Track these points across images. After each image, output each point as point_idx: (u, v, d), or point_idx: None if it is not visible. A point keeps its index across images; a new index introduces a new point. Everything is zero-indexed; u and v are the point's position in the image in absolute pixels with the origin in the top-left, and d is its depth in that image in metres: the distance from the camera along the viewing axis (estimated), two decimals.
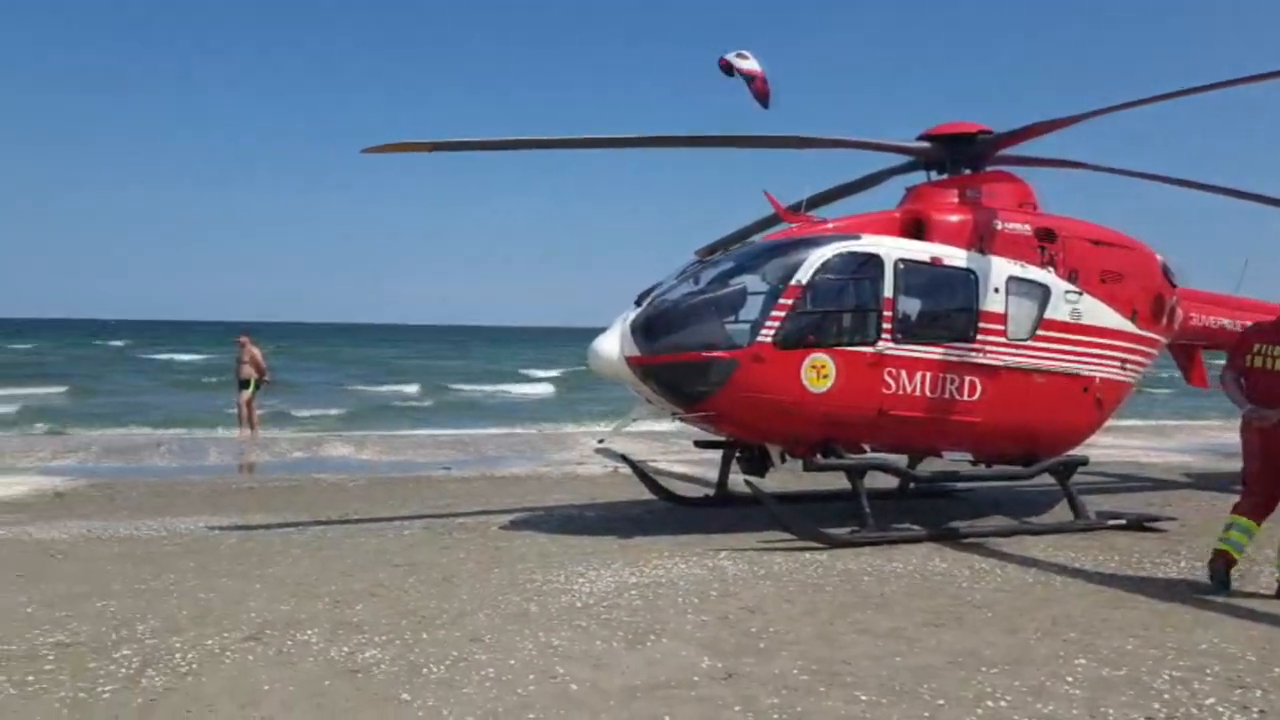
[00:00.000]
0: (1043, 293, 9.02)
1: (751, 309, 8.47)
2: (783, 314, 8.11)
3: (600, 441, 14.86)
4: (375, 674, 4.86)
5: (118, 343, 65.78)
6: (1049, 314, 9.02)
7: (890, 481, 10.29)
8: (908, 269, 8.52)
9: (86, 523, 9.13)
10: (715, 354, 8.11)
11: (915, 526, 8.64)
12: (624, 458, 10.96)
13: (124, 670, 4.83)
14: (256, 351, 18.32)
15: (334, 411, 25.63)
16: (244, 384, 18.18)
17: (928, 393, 8.48)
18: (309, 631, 5.53)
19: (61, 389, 31.29)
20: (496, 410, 29.30)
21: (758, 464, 9.02)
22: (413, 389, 35.96)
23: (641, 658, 5.15)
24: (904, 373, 8.39)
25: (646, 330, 8.21)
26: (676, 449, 14.78)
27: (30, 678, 4.68)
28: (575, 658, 5.12)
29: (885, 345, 8.33)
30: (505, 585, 6.67)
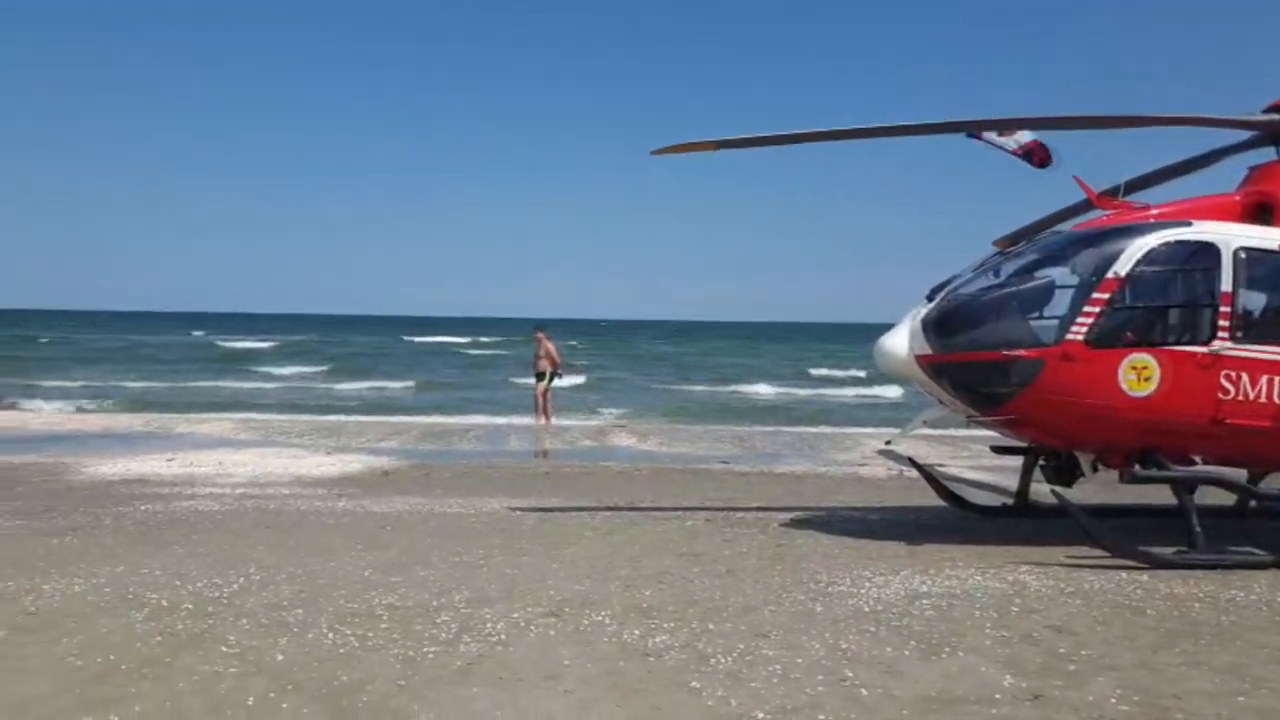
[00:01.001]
0: None
1: (1059, 304, 7.80)
2: (1097, 309, 7.40)
3: (886, 443, 14.38)
4: (666, 659, 4.98)
5: (435, 339, 72.71)
6: None
7: (1224, 498, 9.10)
8: (1251, 259, 7.49)
9: (408, 499, 10.15)
10: (1018, 352, 7.55)
11: (1258, 551, 7.57)
12: (911, 461, 10.52)
13: (444, 635, 5.29)
14: (551, 345, 19.51)
15: (634, 407, 26.76)
16: (540, 375, 19.45)
17: (1277, 399, 7.41)
18: (603, 613, 5.77)
19: (409, 383, 34.88)
20: (782, 407, 29.31)
21: (1065, 472, 8.31)
22: (697, 387, 36.78)
23: (937, 669, 4.89)
24: (1245, 376, 7.39)
25: (939, 326, 7.80)
26: (968, 454, 14.00)
27: (370, 634, 5.25)
28: (865, 663, 4.96)
29: (1222, 345, 7.37)
30: (789, 583, 6.61)
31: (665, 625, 5.55)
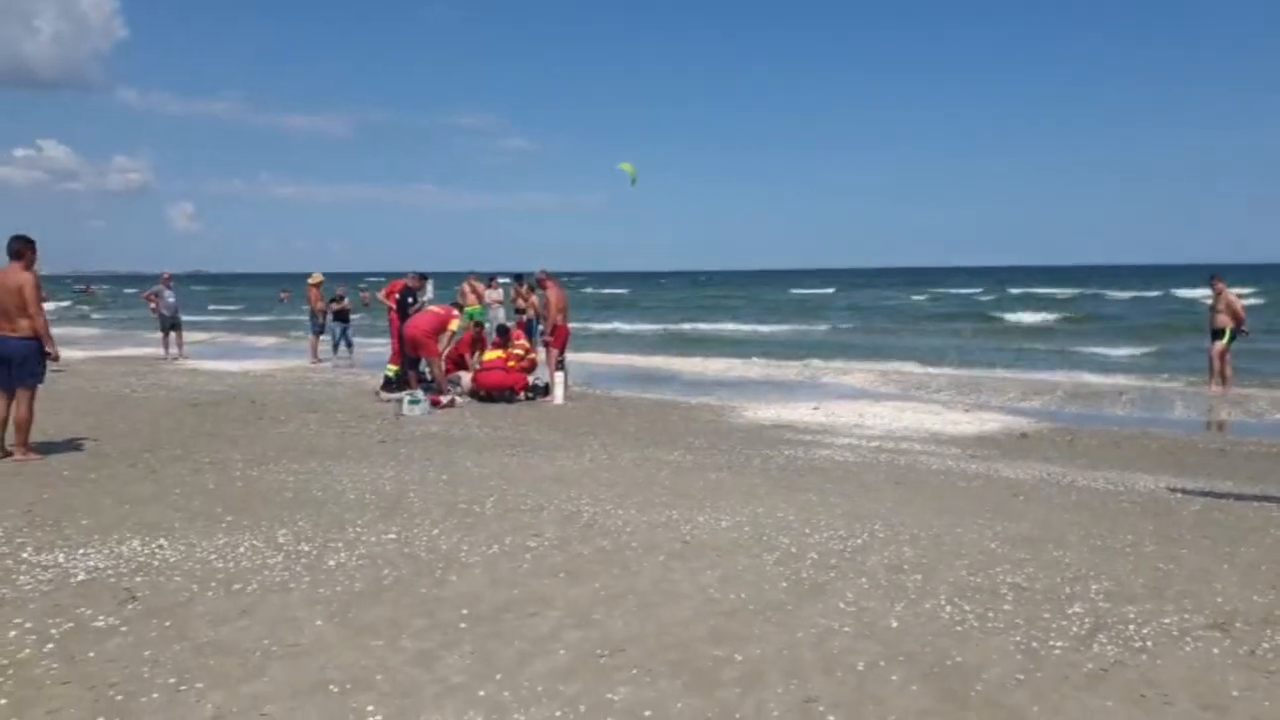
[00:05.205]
0: None
1: None
2: None
3: None
4: None
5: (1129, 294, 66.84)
6: None
7: None
8: None
9: (1047, 466, 9.36)
10: None
11: None
12: None
13: (1075, 629, 4.66)
14: (1233, 297, 16.46)
15: None
16: (1217, 334, 16.55)
17: None
18: None
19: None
20: None
21: None
22: None
23: None
24: None
25: None
26: None
27: (990, 614, 4.85)
28: None
29: None
30: None
31: None
